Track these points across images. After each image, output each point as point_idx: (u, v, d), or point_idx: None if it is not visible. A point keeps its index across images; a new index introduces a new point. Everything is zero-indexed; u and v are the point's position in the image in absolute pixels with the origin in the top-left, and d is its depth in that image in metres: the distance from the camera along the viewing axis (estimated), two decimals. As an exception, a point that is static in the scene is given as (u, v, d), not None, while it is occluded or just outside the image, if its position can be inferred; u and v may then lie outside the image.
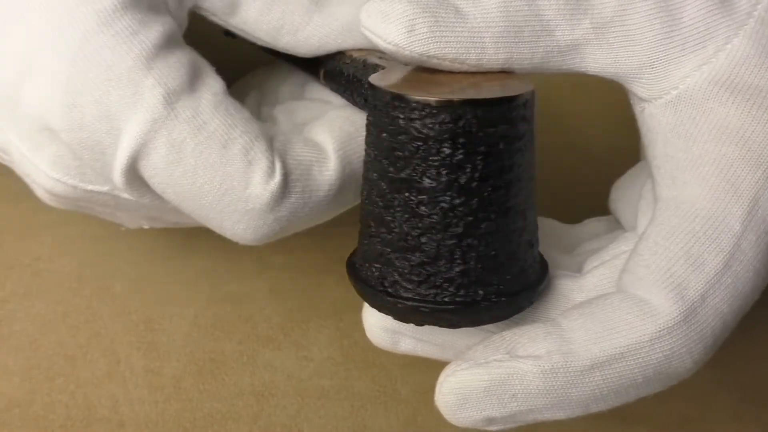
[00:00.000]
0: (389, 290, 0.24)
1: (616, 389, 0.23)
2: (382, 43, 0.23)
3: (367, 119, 0.24)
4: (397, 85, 0.23)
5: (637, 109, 0.25)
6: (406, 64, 0.25)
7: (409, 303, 0.23)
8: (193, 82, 0.25)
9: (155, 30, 0.25)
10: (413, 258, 0.23)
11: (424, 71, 0.24)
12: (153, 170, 0.25)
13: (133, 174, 0.25)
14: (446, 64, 0.24)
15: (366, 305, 0.26)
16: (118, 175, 0.25)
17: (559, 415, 0.24)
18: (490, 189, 0.23)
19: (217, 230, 0.27)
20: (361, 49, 0.29)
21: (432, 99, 0.22)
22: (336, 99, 0.31)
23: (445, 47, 0.23)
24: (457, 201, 0.22)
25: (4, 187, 0.34)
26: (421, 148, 0.22)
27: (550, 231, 0.29)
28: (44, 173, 0.26)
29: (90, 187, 0.26)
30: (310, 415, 0.35)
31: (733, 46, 0.23)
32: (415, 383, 0.36)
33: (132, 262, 0.37)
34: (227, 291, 0.37)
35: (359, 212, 0.25)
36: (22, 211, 0.36)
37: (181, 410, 0.35)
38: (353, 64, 0.28)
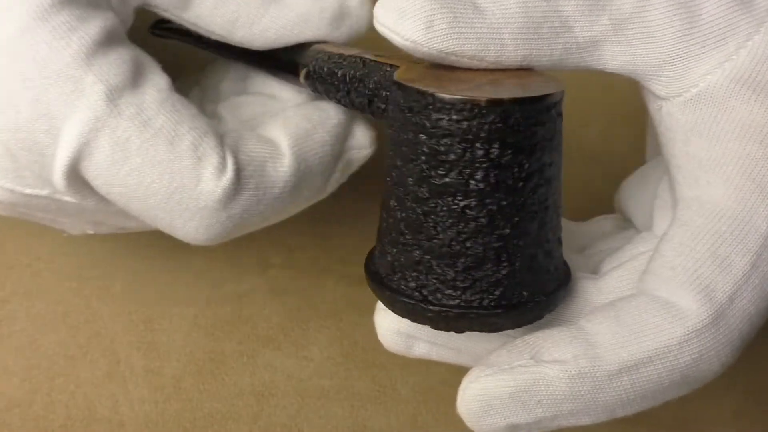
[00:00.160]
0: (430, 299, 0.23)
1: (643, 393, 0.23)
2: (399, 40, 0.23)
3: (394, 123, 0.23)
4: (426, 85, 0.22)
5: (654, 107, 0.25)
6: (416, 61, 0.25)
7: (456, 310, 0.23)
8: (136, 78, 0.25)
9: (95, 26, 0.24)
10: (458, 264, 0.22)
11: (440, 68, 0.24)
12: (96, 170, 0.24)
13: (75, 175, 0.24)
14: (465, 61, 0.23)
15: (379, 310, 0.25)
16: (58, 177, 0.24)
17: (585, 420, 0.23)
18: (533, 187, 0.22)
19: (167, 231, 0.26)
20: (347, 47, 0.28)
21: (481, 99, 0.21)
22: (284, 92, 0.30)
23: (465, 44, 0.23)
24: (504, 202, 0.22)
25: (4, 187, 0.34)
26: (469, 150, 0.22)
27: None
28: None
29: (28, 191, 0.26)
30: (310, 415, 0.35)
31: (754, 43, 0.23)
32: (415, 383, 0.36)
33: (132, 262, 0.37)
34: (227, 291, 0.37)
35: (382, 223, 0.24)
36: (22, 211, 0.36)
37: (181, 410, 0.35)
38: (349, 63, 0.27)
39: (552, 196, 0.23)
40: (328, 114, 0.28)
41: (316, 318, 0.37)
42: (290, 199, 0.27)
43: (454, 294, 0.23)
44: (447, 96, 0.21)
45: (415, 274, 0.23)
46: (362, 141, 0.29)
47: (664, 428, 0.36)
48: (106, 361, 0.35)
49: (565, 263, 0.25)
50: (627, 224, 0.29)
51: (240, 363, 0.36)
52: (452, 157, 0.22)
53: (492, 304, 0.23)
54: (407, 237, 0.23)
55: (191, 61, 0.32)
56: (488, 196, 0.22)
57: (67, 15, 0.24)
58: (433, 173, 0.22)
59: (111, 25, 0.25)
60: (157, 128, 0.24)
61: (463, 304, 0.23)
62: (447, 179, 0.22)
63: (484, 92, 0.22)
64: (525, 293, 0.23)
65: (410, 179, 0.22)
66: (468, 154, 0.22)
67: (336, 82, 0.27)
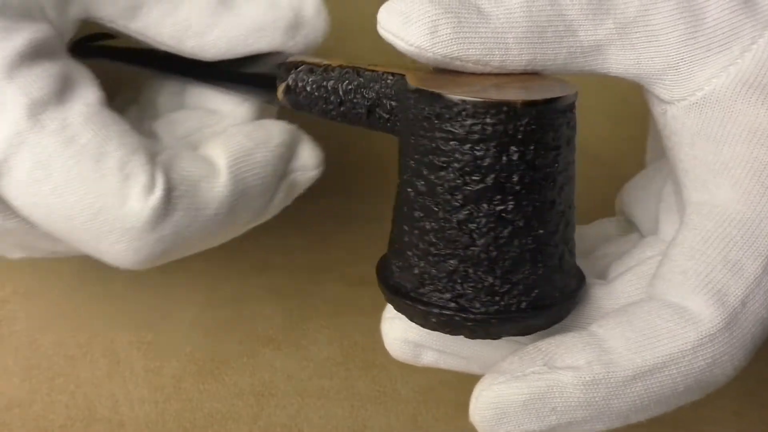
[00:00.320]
0: (468, 308, 0.23)
1: (657, 399, 0.23)
2: (403, 45, 0.23)
3: (412, 132, 0.23)
4: (450, 92, 0.22)
5: (658, 111, 0.25)
6: (417, 68, 0.24)
7: (496, 317, 0.22)
8: (63, 92, 0.24)
9: (21, 38, 0.23)
10: (496, 269, 0.22)
11: (445, 74, 0.24)
12: (16, 189, 0.23)
13: None
14: (469, 66, 0.23)
15: (386, 319, 0.25)
16: None
17: (598, 427, 0.23)
18: (561, 186, 0.23)
19: (94, 254, 0.25)
20: (329, 57, 0.27)
21: (517, 101, 0.21)
22: (224, 106, 0.29)
23: (469, 48, 0.23)
24: (539, 203, 0.22)
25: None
26: (504, 153, 0.22)
27: None
28: None
29: None
30: (310, 415, 0.35)
31: (758, 46, 0.23)
32: (415, 383, 0.36)
33: (132, 262, 0.37)
34: (227, 291, 0.37)
35: (402, 236, 0.23)
36: (22, 211, 0.36)
37: (181, 410, 0.35)
38: (340, 74, 0.26)
39: (573, 194, 0.23)
40: (271, 133, 0.27)
41: (316, 318, 0.37)
42: (226, 220, 0.26)
43: (492, 300, 0.23)
44: (480, 100, 0.21)
45: (450, 284, 0.23)
46: (308, 162, 0.28)
47: (664, 428, 0.36)
48: (106, 361, 0.35)
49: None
50: (629, 227, 0.29)
51: (240, 363, 0.36)
52: (488, 161, 0.22)
53: (530, 306, 0.23)
54: (439, 247, 0.22)
55: (138, 76, 0.31)
56: (524, 198, 0.22)
57: None
58: (467, 179, 0.22)
59: (41, 37, 0.24)
60: (82, 145, 0.23)
61: (502, 309, 0.23)
62: (483, 184, 0.22)
63: (505, 95, 0.22)
64: (556, 293, 0.23)
65: (440, 188, 0.22)
66: (504, 158, 0.22)
67: (325, 95, 0.26)
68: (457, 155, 0.22)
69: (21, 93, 0.23)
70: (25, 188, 0.23)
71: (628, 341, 0.23)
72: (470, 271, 0.22)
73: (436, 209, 0.22)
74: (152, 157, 0.24)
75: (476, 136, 0.21)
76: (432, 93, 0.22)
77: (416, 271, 0.23)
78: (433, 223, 0.22)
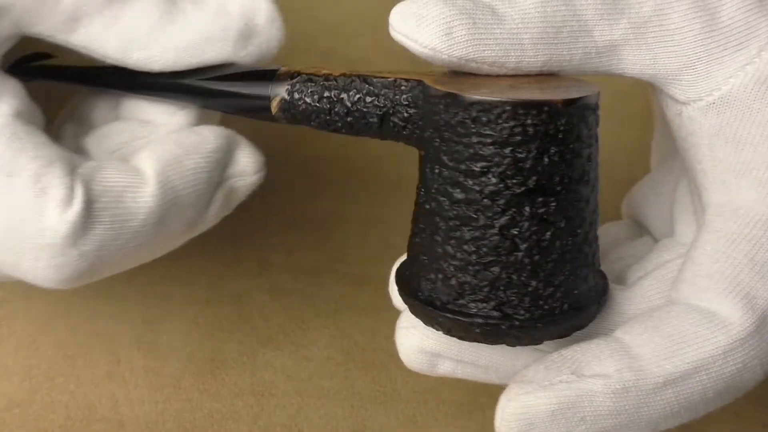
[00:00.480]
0: (513, 315, 0.22)
1: (687, 405, 0.22)
2: (417, 48, 0.22)
3: (440, 138, 0.22)
4: (485, 94, 0.22)
5: (673, 111, 0.24)
6: (428, 72, 0.24)
7: (542, 321, 0.22)
8: None
9: None
10: (540, 273, 0.22)
11: (460, 76, 0.23)
12: None
13: None
14: (485, 68, 0.23)
15: (401, 328, 0.25)
16: None
17: None
18: (593, 185, 0.23)
19: (16, 275, 0.24)
20: (323, 66, 0.26)
21: (558, 101, 0.21)
22: (159, 116, 0.28)
23: (485, 50, 0.22)
24: (578, 203, 0.22)
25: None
26: (546, 154, 0.21)
27: None
28: None
29: None
30: (310, 415, 0.35)
31: None
32: (415, 383, 0.36)
33: (132, 262, 0.37)
34: (227, 291, 0.37)
35: (435, 248, 0.23)
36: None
37: (181, 410, 0.35)
38: (344, 83, 0.25)
39: (598, 193, 0.24)
40: (205, 138, 0.26)
41: (316, 318, 0.37)
42: (157, 231, 0.25)
43: (537, 305, 0.22)
44: (521, 101, 0.21)
45: (492, 292, 0.22)
46: (246, 168, 0.27)
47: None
48: (106, 361, 0.35)
49: None
50: (639, 230, 0.29)
51: (240, 363, 0.36)
52: (529, 164, 0.21)
53: (571, 307, 0.23)
54: (481, 255, 0.22)
55: (77, 92, 0.30)
56: (565, 198, 0.22)
57: None
58: (509, 183, 0.22)
59: None
60: None
61: (547, 313, 0.22)
62: (525, 187, 0.22)
63: (534, 95, 0.21)
64: (592, 293, 0.23)
65: (480, 194, 0.22)
66: (546, 159, 0.21)
67: (328, 106, 0.25)
68: (497, 159, 0.21)
69: None
70: None
71: (657, 347, 0.22)
72: (513, 277, 0.22)
73: (475, 216, 0.22)
74: (71, 170, 0.23)
75: (518, 138, 0.21)
76: (468, 97, 0.21)
77: (453, 282, 0.23)
78: (473, 232, 0.22)
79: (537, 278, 0.22)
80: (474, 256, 0.22)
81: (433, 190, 0.23)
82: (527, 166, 0.21)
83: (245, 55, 0.27)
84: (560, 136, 0.21)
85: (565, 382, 0.22)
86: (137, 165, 0.25)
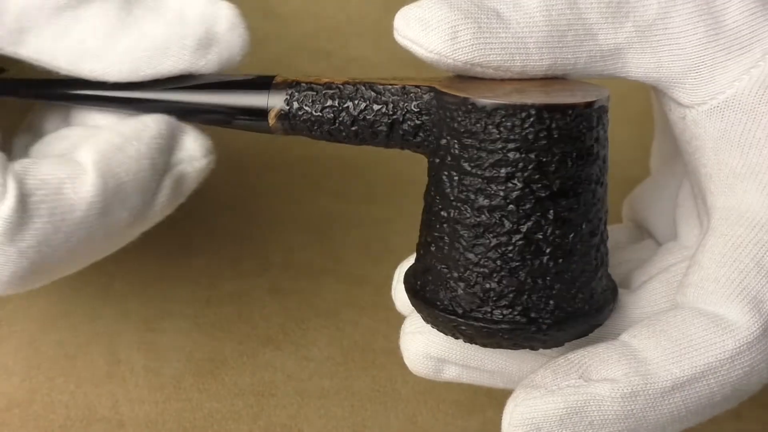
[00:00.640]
0: (540, 319, 0.22)
1: (695, 409, 0.22)
2: (422, 52, 0.22)
3: (472, 146, 0.22)
4: (514, 100, 0.22)
5: (677, 115, 0.24)
6: (433, 78, 0.24)
7: (569, 323, 0.22)
8: None
9: None
10: (566, 275, 0.22)
11: (466, 81, 0.23)
12: None
13: None
14: (490, 72, 0.23)
15: (406, 334, 0.25)
16: None
17: None
18: (606, 185, 0.23)
19: None
20: (319, 75, 0.25)
21: (580, 103, 0.21)
22: (105, 119, 0.27)
23: (490, 54, 0.22)
24: (599, 204, 0.22)
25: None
26: (569, 156, 0.22)
27: None
28: None
29: None
30: (310, 415, 0.35)
31: None
32: (415, 383, 0.36)
33: (132, 262, 0.37)
34: (227, 291, 0.37)
35: (457, 259, 0.23)
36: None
37: (181, 410, 0.35)
38: (349, 92, 0.24)
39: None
40: (145, 125, 0.25)
41: (316, 318, 0.37)
42: (101, 223, 0.24)
43: (561, 307, 0.22)
44: (545, 104, 0.21)
45: (518, 297, 0.22)
46: (194, 152, 0.26)
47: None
48: (106, 361, 0.35)
49: None
50: (640, 233, 0.29)
51: (240, 363, 0.36)
52: (554, 167, 0.22)
53: (592, 307, 0.23)
54: (507, 261, 0.22)
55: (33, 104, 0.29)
56: (585, 200, 0.22)
57: None
58: (534, 187, 0.22)
59: None
60: None
61: (571, 314, 0.23)
62: (549, 191, 0.22)
63: (544, 98, 0.21)
64: (608, 292, 0.24)
65: (506, 200, 0.22)
66: (569, 161, 0.22)
67: (331, 115, 0.24)
68: (522, 164, 0.21)
69: None
70: None
71: (665, 351, 0.22)
72: (539, 281, 0.22)
73: (500, 222, 0.22)
74: (3, 167, 0.23)
75: (543, 142, 0.21)
76: (491, 102, 0.21)
77: (476, 289, 0.22)
78: (498, 238, 0.22)
79: (561, 281, 0.22)
80: (499, 262, 0.22)
81: (452, 198, 0.22)
82: (552, 169, 0.21)
83: (205, 64, 0.25)
84: (582, 138, 0.22)
85: (573, 386, 0.22)
86: (76, 158, 0.24)
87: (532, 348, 0.23)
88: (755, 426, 0.36)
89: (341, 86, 0.24)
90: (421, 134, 0.23)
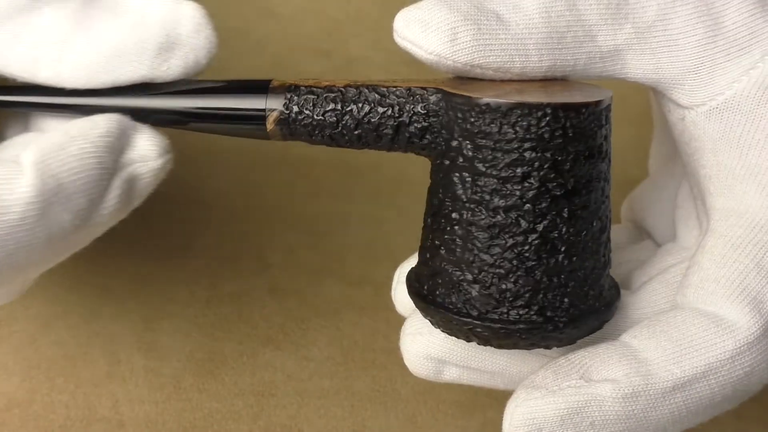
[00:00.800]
0: (556, 318, 0.22)
1: (695, 410, 0.22)
2: (422, 54, 0.22)
3: (487, 146, 0.22)
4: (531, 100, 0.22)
5: (675, 116, 0.24)
6: (434, 79, 0.24)
7: (583, 320, 0.23)
8: None
9: None
10: (580, 272, 0.23)
11: (465, 82, 0.23)
12: None
13: None
14: (489, 74, 0.23)
15: (406, 335, 0.25)
16: None
17: None
18: (611, 182, 0.23)
19: None
20: (321, 77, 0.24)
21: (592, 102, 0.22)
22: (60, 123, 0.25)
23: (490, 56, 0.22)
24: (602, 201, 0.23)
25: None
26: (582, 154, 0.22)
27: None
28: None
29: None
30: (310, 415, 0.35)
31: None
32: (415, 383, 0.36)
33: (132, 262, 0.37)
34: (227, 291, 0.37)
35: (471, 261, 0.22)
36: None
37: (181, 410, 0.35)
38: (352, 94, 0.24)
39: None
40: (94, 123, 0.24)
41: (316, 318, 0.37)
42: (42, 225, 0.23)
43: (575, 305, 0.23)
44: (561, 103, 0.21)
45: (534, 297, 0.22)
46: (147, 152, 0.24)
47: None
48: (106, 361, 0.35)
49: None
50: (639, 234, 0.29)
51: (240, 363, 0.36)
52: (568, 165, 0.22)
53: (603, 303, 0.23)
54: (524, 261, 0.22)
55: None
56: (595, 197, 0.22)
57: None
58: (550, 186, 0.22)
59: None
60: None
61: (585, 312, 0.23)
62: (565, 189, 0.22)
63: (545, 97, 0.22)
64: (613, 290, 0.24)
65: (521, 200, 0.22)
66: (582, 159, 0.22)
67: (334, 119, 0.23)
68: (537, 163, 0.22)
69: None
70: None
71: (665, 352, 0.22)
72: (554, 279, 0.22)
73: (516, 222, 0.22)
74: None
75: (558, 141, 0.21)
76: (506, 101, 0.21)
77: (492, 290, 0.22)
78: (514, 238, 0.22)
79: (575, 279, 0.22)
80: (515, 262, 0.22)
81: (464, 199, 0.22)
82: (566, 167, 0.22)
83: (167, 71, 0.24)
84: (594, 136, 0.22)
85: (574, 387, 0.22)
86: (16, 158, 0.23)
87: (547, 347, 0.23)
88: (756, 426, 0.36)
89: (343, 89, 0.24)
90: (428, 136, 0.23)
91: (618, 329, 0.24)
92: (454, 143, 0.22)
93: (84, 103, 0.24)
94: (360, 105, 0.23)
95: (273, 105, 0.24)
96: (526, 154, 0.21)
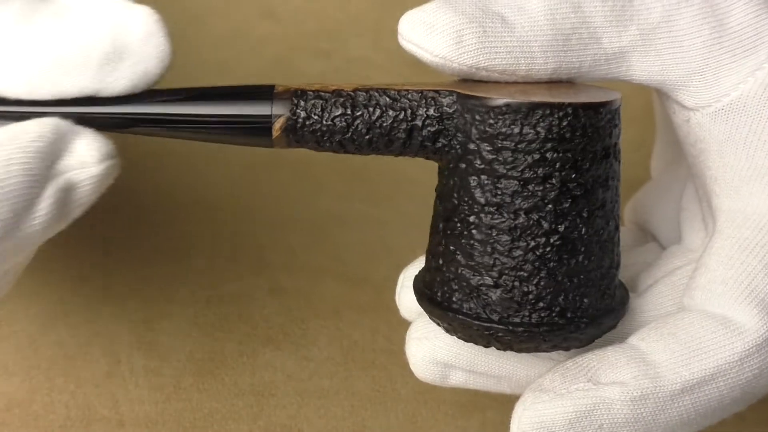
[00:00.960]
0: (576, 319, 0.22)
1: (704, 412, 0.22)
2: (427, 56, 0.22)
3: (507, 148, 0.22)
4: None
5: (681, 118, 0.24)
6: (440, 82, 0.24)
7: (603, 319, 0.23)
8: None
9: None
10: (598, 272, 0.23)
11: (470, 84, 0.23)
12: None
13: None
14: (495, 76, 0.23)
15: (412, 339, 0.25)
16: None
17: None
18: (620, 185, 0.24)
19: None
20: (334, 82, 0.24)
21: (606, 101, 0.22)
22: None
23: (495, 58, 0.22)
24: (616, 201, 0.23)
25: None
26: (600, 153, 0.22)
27: None
28: None
29: None
30: (310, 415, 0.35)
31: None
32: (415, 383, 0.36)
33: (132, 262, 0.37)
34: (227, 291, 0.37)
35: (492, 265, 0.22)
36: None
37: (181, 410, 0.35)
38: (363, 98, 0.23)
39: None
40: (24, 128, 0.22)
41: (316, 318, 0.37)
42: None
43: (595, 304, 0.23)
44: (582, 103, 0.21)
45: (556, 299, 0.22)
46: (85, 158, 0.22)
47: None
48: (106, 361, 0.35)
49: None
50: (644, 236, 0.29)
51: (240, 363, 0.36)
52: (587, 165, 0.22)
53: (617, 302, 0.23)
54: (545, 262, 0.22)
55: None
56: (611, 197, 0.22)
57: None
58: (571, 186, 0.22)
59: None
60: None
61: (604, 312, 0.23)
62: (585, 189, 0.22)
63: (549, 98, 0.22)
64: (624, 288, 0.24)
65: (543, 201, 0.22)
66: (600, 158, 0.22)
67: (344, 124, 0.23)
68: (559, 164, 0.22)
69: None
70: None
71: (674, 354, 0.22)
72: (574, 280, 0.22)
73: (539, 223, 0.22)
74: None
75: (578, 141, 0.21)
76: (529, 101, 0.21)
77: (514, 294, 0.22)
78: (538, 239, 0.22)
79: (593, 278, 0.22)
80: (537, 264, 0.22)
81: (483, 202, 0.22)
82: (586, 167, 0.22)
83: (113, 82, 0.22)
84: (610, 135, 0.22)
85: (582, 390, 0.22)
86: None
87: (567, 348, 0.23)
88: (759, 429, 0.36)
89: (352, 93, 0.23)
90: (441, 140, 0.23)
91: (625, 332, 0.24)
92: (472, 146, 0.22)
93: (55, 111, 0.23)
94: (371, 109, 0.23)
95: (279, 111, 0.23)
96: (548, 155, 0.21)
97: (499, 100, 0.21)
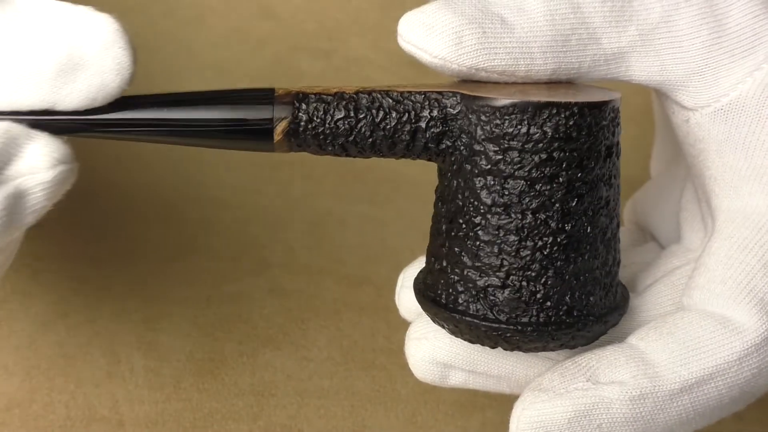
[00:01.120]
0: (584, 317, 0.22)
1: (702, 412, 0.22)
2: (427, 57, 0.22)
3: (514, 148, 0.22)
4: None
5: (680, 118, 0.24)
6: (442, 83, 0.24)
7: (609, 316, 0.23)
8: None
9: None
10: (604, 270, 0.23)
11: (471, 85, 0.23)
12: None
13: None
14: (494, 77, 0.23)
15: (412, 339, 0.25)
16: None
17: None
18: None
19: None
20: (336, 85, 0.23)
21: (608, 100, 0.22)
22: None
23: (494, 59, 0.22)
24: (618, 199, 0.23)
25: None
26: (605, 151, 0.22)
27: None
28: None
29: None
30: (310, 415, 0.35)
31: None
32: (415, 383, 0.36)
33: (132, 262, 0.37)
34: (227, 291, 0.37)
35: (501, 265, 0.22)
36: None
37: (181, 410, 0.35)
38: (366, 101, 0.23)
39: None
40: None
41: (316, 318, 0.37)
42: None
43: (601, 302, 0.23)
44: (587, 102, 0.21)
45: (563, 298, 0.22)
46: (36, 163, 0.21)
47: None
48: (106, 361, 0.35)
49: None
50: (643, 236, 0.29)
51: (240, 363, 0.36)
52: (593, 163, 0.22)
53: (619, 299, 0.23)
54: (552, 261, 0.22)
55: None
56: (613, 196, 0.23)
57: None
58: (577, 185, 0.22)
59: None
60: None
61: (610, 309, 0.23)
62: (591, 186, 0.22)
63: (547, 97, 0.22)
64: (624, 285, 0.24)
65: (551, 200, 0.22)
66: (604, 156, 0.22)
67: (347, 127, 0.22)
68: (565, 163, 0.22)
69: None
70: None
71: (673, 354, 0.22)
72: (580, 278, 0.22)
73: (546, 223, 0.22)
74: None
75: (583, 140, 0.22)
76: (535, 101, 0.21)
77: (522, 294, 0.22)
78: (546, 238, 0.22)
79: (598, 276, 0.23)
80: (545, 263, 0.22)
81: (490, 203, 0.22)
82: (591, 165, 0.22)
83: (69, 95, 0.21)
84: (613, 133, 0.22)
85: (581, 389, 0.22)
86: None
87: (572, 347, 0.23)
88: (757, 428, 0.36)
89: (355, 96, 0.23)
90: (445, 141, 0.23)
91: (624, 331, 0.24)
92: (477, 147, 0.22)
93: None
94: (374, 112, 0.23)
95: (280, 114, 0.22)
96: (555, 154, 0.21)
97: (506, 100, 0.21)
